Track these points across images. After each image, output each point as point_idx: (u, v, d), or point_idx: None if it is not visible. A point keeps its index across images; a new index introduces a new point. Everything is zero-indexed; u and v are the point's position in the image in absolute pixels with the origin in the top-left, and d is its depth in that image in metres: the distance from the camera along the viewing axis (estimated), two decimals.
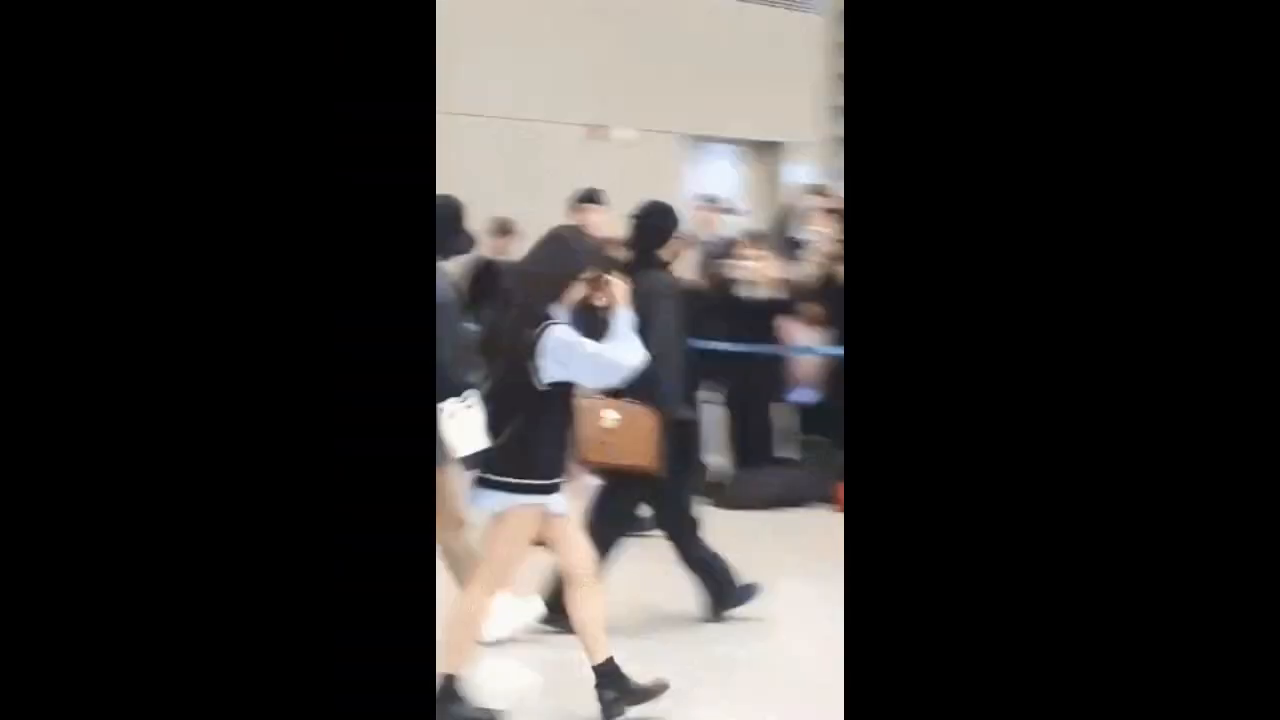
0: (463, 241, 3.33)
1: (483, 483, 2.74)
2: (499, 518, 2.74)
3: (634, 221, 3.57)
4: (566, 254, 2.75)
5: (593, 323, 2.82)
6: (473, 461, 2.78)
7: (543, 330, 2.66)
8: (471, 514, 2.84)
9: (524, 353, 2.67)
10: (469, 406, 2.84)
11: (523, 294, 2.72)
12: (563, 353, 2.67)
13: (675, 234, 3.54)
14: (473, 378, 2.94)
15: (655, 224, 3.54)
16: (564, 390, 2.72)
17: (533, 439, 2.71)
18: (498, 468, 2.72)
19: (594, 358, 2.68)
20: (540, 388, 2.68)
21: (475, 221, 3.42)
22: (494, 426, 2.73)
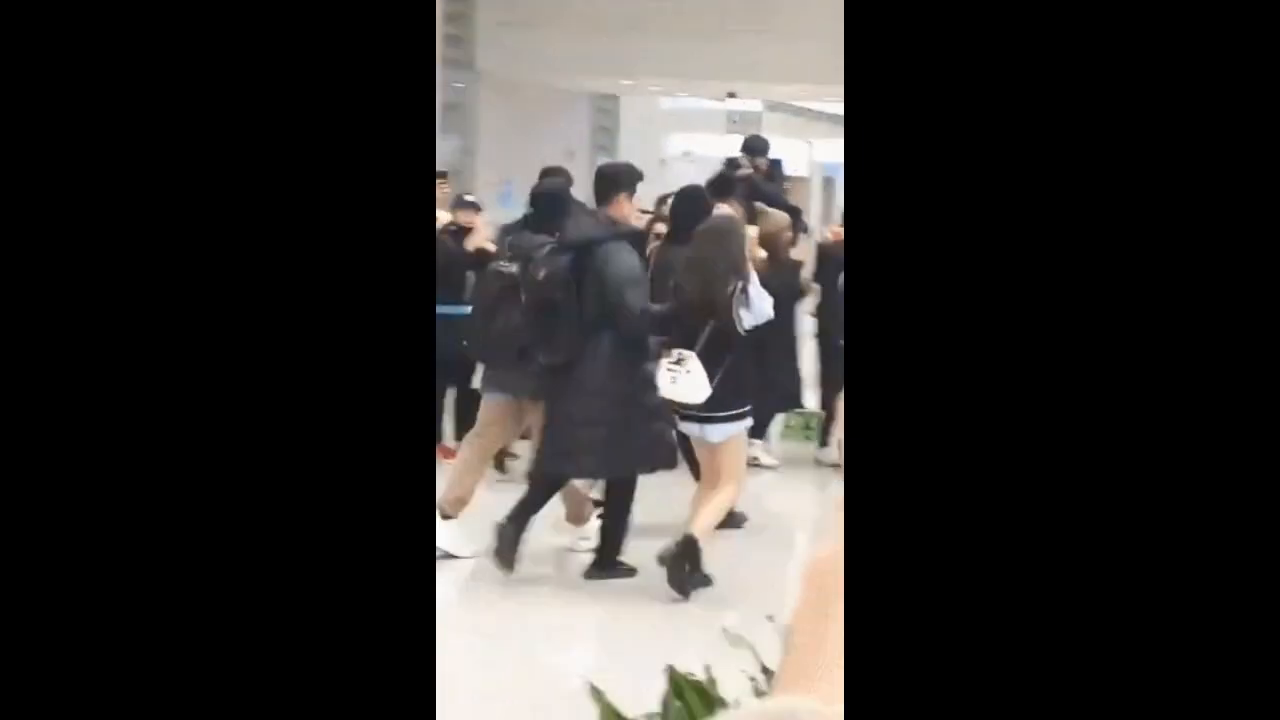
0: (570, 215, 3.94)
1: (707, 420, 3.54)
2: (728, 443, 3.59)
3: (675, 200, 4.21)
4: (737, 239, 3.63)
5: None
6: (692, 405, 3.50)
7: (742, 288, 3.50)
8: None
9: (728, 309, 3.47)
10: (684, 365, 3.49)
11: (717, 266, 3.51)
12: (757, 304, 3.54)
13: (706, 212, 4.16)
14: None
15: (694, 203, 4.13)
16: (752, 333, 3.57)
17: (741, 376, 3.54)
18: (722, 405, 3.51)
19: (763, 308, 3.58)
20: (742, 334, 3.52)
21: None
22: (710, 373, 3.46)
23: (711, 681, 1.72)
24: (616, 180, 3.79)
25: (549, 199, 4.02)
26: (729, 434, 3.59)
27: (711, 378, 3.47)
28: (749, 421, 3.68)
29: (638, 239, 3.83)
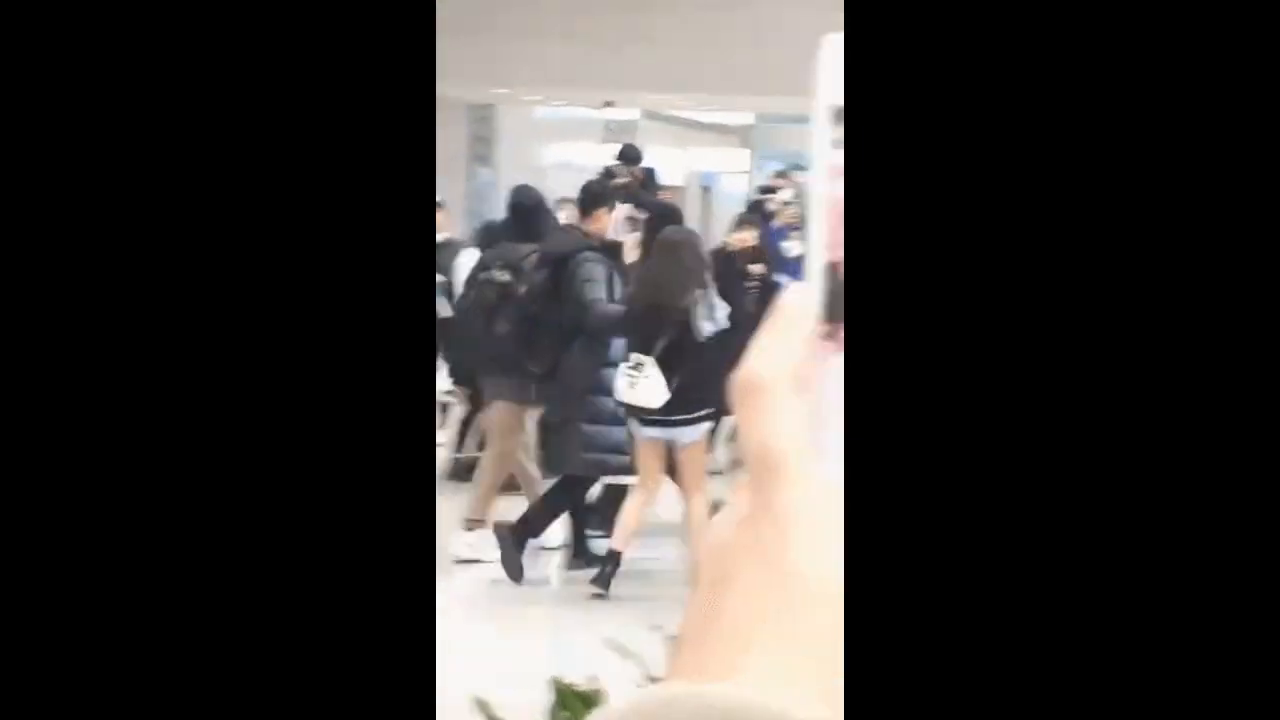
0: (547, 225, 4.27)
1: (673, 424, 3.62)
2: (693, 445, 3.69)
3: (652, 214, 4.34)
4: (690, 251, 3.75)
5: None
6: (654, 410, 3.61)
7: (700, 298, 3.60)
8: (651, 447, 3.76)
9: (684, 317, 3.58)
10: (643, 370, 3.60)
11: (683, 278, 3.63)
12: (718, 313, 3.65)
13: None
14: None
15: (668, 217, 4.27)
16: (714, 339, 3.63)
17: (702, 381, 3.56)
18: (683, 409, 3.60)
19: (720, 317, 3.67)
20: (700, 341, 3.61)
21: None
22: (668, 379, 3.56)
23: (597, 691, 1.71)
24: (598, 197, 4.13)
25: (525, 210, 4.37)
26: (696, 436, 3.72)
27: (669, 384, 3.58)
28: (710, 425, 3.82)
29: (611, 251, 4.03)
